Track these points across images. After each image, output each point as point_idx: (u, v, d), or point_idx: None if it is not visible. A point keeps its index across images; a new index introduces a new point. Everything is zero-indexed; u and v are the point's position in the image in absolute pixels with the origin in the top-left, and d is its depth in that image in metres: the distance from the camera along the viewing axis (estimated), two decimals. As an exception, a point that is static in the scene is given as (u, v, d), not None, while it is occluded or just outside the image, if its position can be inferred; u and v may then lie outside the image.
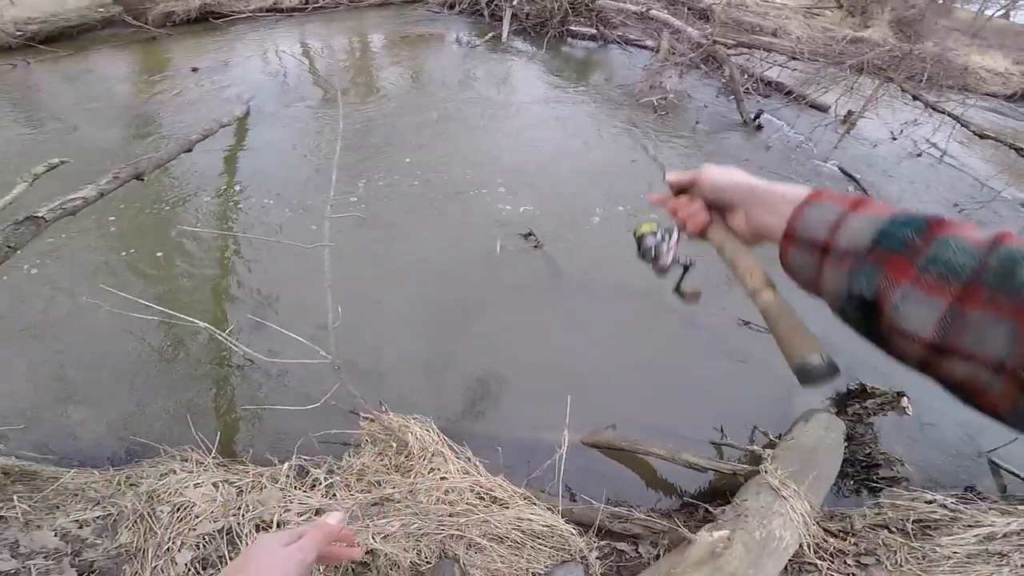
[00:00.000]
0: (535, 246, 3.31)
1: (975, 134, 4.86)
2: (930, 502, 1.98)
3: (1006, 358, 0.35)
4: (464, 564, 1.62)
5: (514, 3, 7.50)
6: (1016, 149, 4.51)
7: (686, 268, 0.75)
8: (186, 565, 1.47)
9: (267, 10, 7.93)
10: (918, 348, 0.40)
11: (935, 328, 0.38)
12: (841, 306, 0.47)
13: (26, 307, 2.77)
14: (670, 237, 0.72)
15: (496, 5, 7.72)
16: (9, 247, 2.12)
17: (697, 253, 0.72)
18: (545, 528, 1.73)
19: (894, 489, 2.09)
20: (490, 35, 7.12)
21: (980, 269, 0.37)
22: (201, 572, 1.47)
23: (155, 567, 1.46)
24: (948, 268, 0.39)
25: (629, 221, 3.64)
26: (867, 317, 0.45)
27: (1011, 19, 16.47)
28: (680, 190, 0.69)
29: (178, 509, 1.59)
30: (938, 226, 0.42)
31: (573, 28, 7.51)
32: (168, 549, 1.50)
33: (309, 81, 5.71)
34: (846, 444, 2.22)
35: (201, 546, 1.53)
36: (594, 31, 7.42)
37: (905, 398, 2.40)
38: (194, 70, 5.88)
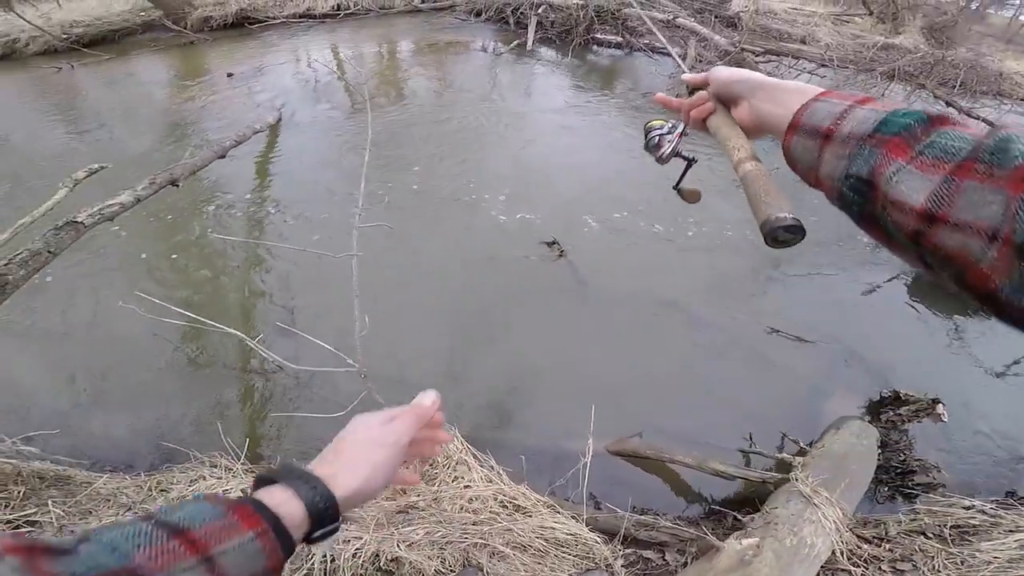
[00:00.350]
0: (559, 254, 3.31)
1: None
2: (968, 508, 1.92)
3: (999, 226, 0.35)
4: (487, 572, 1.62)
5: (539, 11, 7.54)
6: None
7: (689, 162, 0.77)
8: None
9: (300, 16, 8.14)
10: (910, 219, 0.40)
11: (928, 197, 0.39)
12: (838, 188, 0.48)
13: (60, 312, 2.87)
14: (674, 130, 0.74)
15: (522, 13, 7.77)
16: (50, 252, 2.18)
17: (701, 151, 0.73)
18: (569, 536, 1.73)
19: (930, 495, 2.04)
20: (515, 43, 7.17)
21: (976, 148, 0.38)
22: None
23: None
24: (944, 151, 0.40)
25: (654, 227, 3.63)
26: (863, 196, 0.45)
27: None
28: (695, 89, 0.71)
29: None
30: (940, 121, 0.42)
31: (599, 36, 7.49)
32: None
33: (339, 88, 5.83)
34: (880, 451, 2.17)
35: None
36: (620, 39, 7.40)
37: (941, 404, 2.32)
38: (229, 75, 6.07)
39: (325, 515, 0.46)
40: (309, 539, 0.47)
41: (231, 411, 2.38)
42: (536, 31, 7.35)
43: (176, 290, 3.01)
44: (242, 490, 1.78)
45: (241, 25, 7.84)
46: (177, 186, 3.17)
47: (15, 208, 3.16)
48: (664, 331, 2.89)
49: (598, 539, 1.73)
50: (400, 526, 1.67)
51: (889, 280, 3.44)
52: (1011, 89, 8.12)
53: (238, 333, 2.01)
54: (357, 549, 1.56)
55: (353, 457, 0.52)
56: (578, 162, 4.44)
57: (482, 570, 1.62)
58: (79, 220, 2.36)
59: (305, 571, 1.51)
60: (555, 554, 1.69)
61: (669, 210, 3.73)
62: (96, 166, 2.87)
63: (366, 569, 1.53)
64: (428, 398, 0.62)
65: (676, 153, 0.74)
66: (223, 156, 3.82)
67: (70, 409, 2.38)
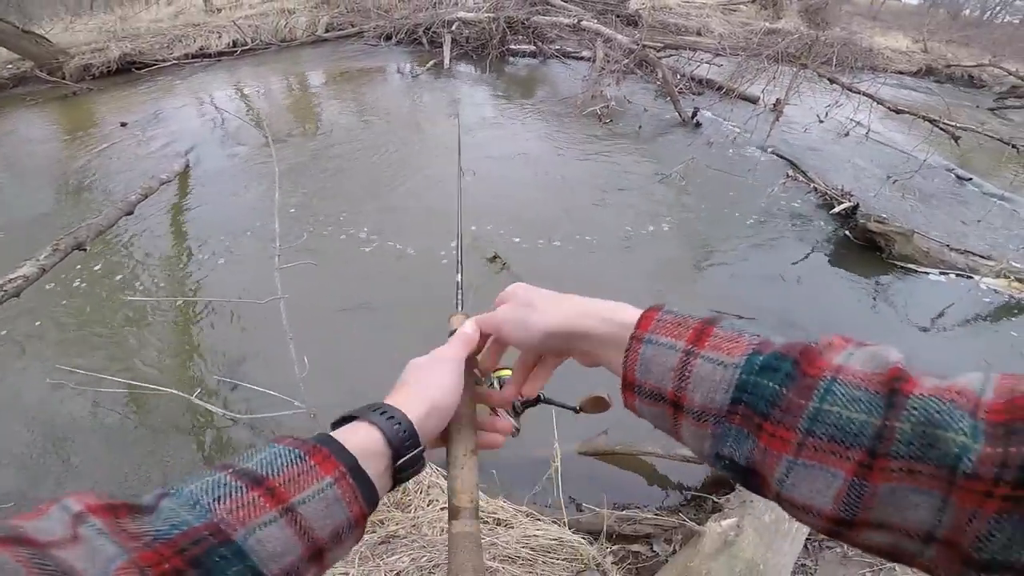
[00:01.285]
0: (502, 267, 3.33)
1: (892, 110, 5.24)
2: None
3: (934, 528, 0.29)
4: (478, 592, 1.59)
5: (453, 28, 7.61)
6: (930, 121, 4.89)
7: (541, 401, 0.69)
8: None
9: (192, 56, 7.71)
10: (822, 521, 0.34)
11: (836, 502, 0.32)
12: (712, 463, 0.40)
13: None
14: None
15: (435, 32, 7.80)
16: None
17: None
18: (553, 542, 1.72)
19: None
20: (432, 63, 7.17)
21: (883, 432, 0.31)
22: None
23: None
24: (838, 430, 0.32)
25: (586, 234, 3.73)
26: (745, 479, 0.38)
27: (902, 0, 18.02)
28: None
29: None
30: (809, 364, 0.35)
31: (513, 47, 7.68)
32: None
33: (247, 127, 5.59)
34: None
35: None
36: (533, 47, 7.61)
37: None
38: (123, 125, 5.67)
39: (405, 440, 0.45)
40: (396, 473, 0.45)
41: (191, 470, 2.21)
42: (452, 48, 7.40)
43: (110, 357, 2.78)
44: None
45: (127, 71, 7.26)
46: (84, 250, 2.92)
47: None
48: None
49: (583, 540, 1.73)
50: (385, 556, 1.61)
51: (811, 247, 3.72)
52: (884, 63, 9.09)
53: (178, 392, 1.88)
54: (344, 587, 1.49)
55: (417, 381, 0.52)
56: (510, 172, 4.52)
57: (473, 590, 1.58)
58: None
59: None
60: (543, 561, 1.68)
61: (605, 218, 3.85)
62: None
63: (355, 610, 1.46)
64: (469, 326, 0.57)
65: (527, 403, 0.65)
66: (131, 212, 3.56)
67: (21, 487, 2.18)
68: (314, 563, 0.37)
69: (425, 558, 1.62)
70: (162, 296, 3.15)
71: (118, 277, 3.37)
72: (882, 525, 0.31)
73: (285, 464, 0.38)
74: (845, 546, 1.76)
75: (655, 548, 1.82)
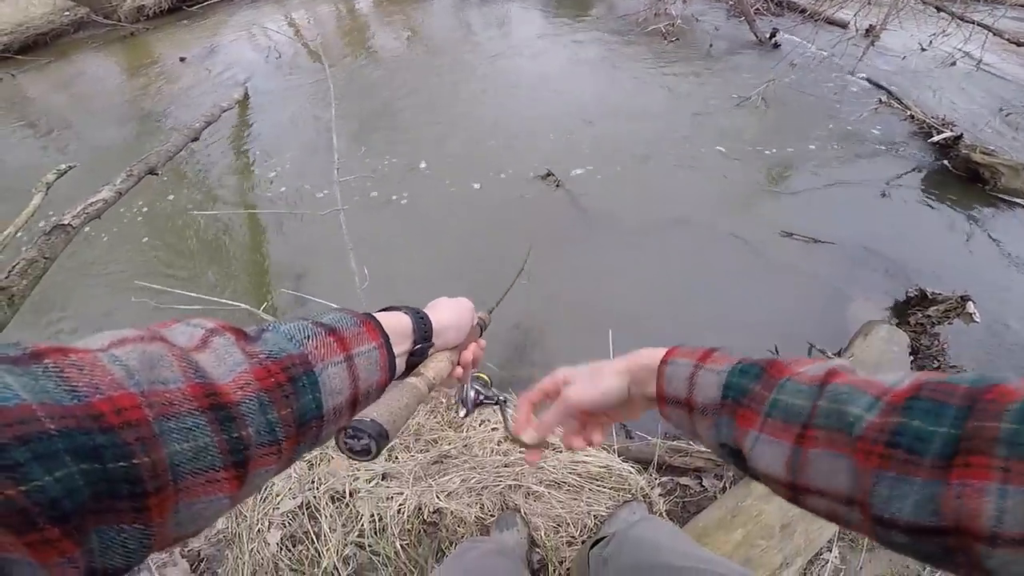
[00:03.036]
0: (556, 185, 3.22)
1: (1012, 42, 4.47)
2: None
3: (852, 492, 0.36)
4: (525, 513, 1.63)
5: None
6: None
7: (499, 403, 0.77)
8: (277, 544, 1.52)
9: (243, -11, 7.61)
10: (783, 488, 0.42)
11: (786, 468, 0.41)
12: (720, 454, 0.49)
13: (75, 309, 2.84)
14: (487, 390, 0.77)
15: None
16: (46, 258, 2.17)
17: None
18: (602, 469, 1.73)
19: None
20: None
21: (812, 410, 0.40)
22: (292, 549, 1.52)
23: (251, 549, 1.51)
24: (787, 412, 0.41)
25: (651, 158, 3.50)
26: (740, 463, 0.47)
27: None
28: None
29: (261, 489, 1.64)
30: (774, 369, 0.45)
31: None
32: (259, 531, 1.55)
33: (301, 53, 5.55)
34: (912, 358, 2.09)
35: (286, 524, 1.58)
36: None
37: (971, 302, 2.20)
38: (182, 59, 5.76)
39: (424, 334, 0.59)
40: (411, 355, 0.58)
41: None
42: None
43: (183, 273, 2.97)
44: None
45: (179, 9, 7.31)
46: (156, 174, 3.07)
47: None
48: (675, 249, 2.81)
49: (631, 469, 1.72)
50: (437, 477, 1.68)
51: (901, 176, 3.33)
52: None
53: (246, 306, 1.97)
54: (400, 505, 1.57)
55: (443, 306, 0.68)
56: (568, 91, 4.27)
57: (520, 511, 1.64)
58: (66, 223, 2.33)
59: (357, 531, 1.52)
60: (590, 488, 1.69)
61: (663, 131, 3.59)
62: (64, 167, 2.77)
63: (412, 524, 1.55)
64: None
65: (480, 402, 0.76)
66: (196, 139, 3.68)
67: None
68: (349, 410, 0.46)
69: (475, 479, 1.67)
70: (225, 210, 3.29)
71: (187, 197, 3.55)
72: (819, 491, 0.39)
73: (348, 324, 0.48)
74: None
75: (704, 483, 1.77)
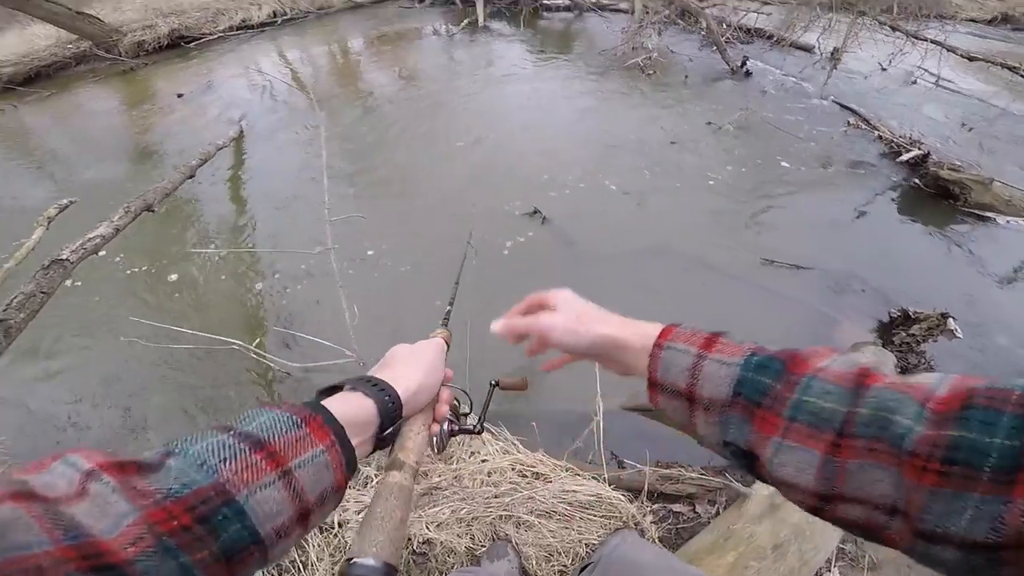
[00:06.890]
0: (542, 222, 3.29)
1: (964, 57, 4.71)
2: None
3: (896, 501, 0.34)
4: (516, 543, 1.63)
5: (485, -16, 7.38)
6: (1010, 68, 4.38)
7: (474, 431, 0.70)
8: (262, 574, 1.50)
9: (237, 28, 7.83)
10: (807, 498, 0.39)
11: (817, 479, 0.38)
12: (721, 451, 0.46)
13: (66, 345, 2.82)
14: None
15: (468, -10, 7.59)
16: (43, 293, 2.19)
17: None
18: (592, 498, 1.73)
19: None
20: (466, 21, 7.01)
21: (849, 418, 0.37)
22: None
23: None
24: (816, 417, 0.38)
25: (633, 187, 3.61)
26: (747, 462, 0.44)
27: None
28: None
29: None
30: (794, 365, 0.41)
31: (546, 2, 7.39)
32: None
33: (295, 92, 5.69)
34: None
35: (272, 557, 1.56)
36: (568, 1, 7.30)
37: (951, 319, 2.26)
38: (179, 96, 5.86)
39: (391, 412, 0.51)
40: (379, 438, 0.50)
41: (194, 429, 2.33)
42: (485, 5, 7.21)
43: (178, 312, 2.96)
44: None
45: (177, 45, 7.51)
46: (153, 211, 3.12)
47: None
48: (660, 276, 2.87)
49: (622, 497, 1.73)
50: (426, 508, 1.68)
51: (875, 197, 3.45)
52: (953, 11, 8.04)
53: (239, 343, 1.99)
54: (389, 536, 1.56)
55: (406, 362, 0.58)
56: (551, 124, 4.40)
57: (511, 541, 1.63)
58: (63, 258, 2.36)
59: (346, 558, 1.51)
60: (581, 517, 1.69)
61: (641, 162, 3.70)
62: (65, 201, 2.83)
63: (401, 554, 1.54)
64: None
65: (454, 433, 0.68)
66: (192, 176, 3.74)
67: (102, 437, 2.35)
68: (300, 524, 0.40)
69: (465, 509, 1.67)
70: (219, 249, 3.33)
71: (182, 235, 3.59)
72: (856, 499, 0.36)
73: (284, 429, 0.40)
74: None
75: (697, 509, 1.78)
